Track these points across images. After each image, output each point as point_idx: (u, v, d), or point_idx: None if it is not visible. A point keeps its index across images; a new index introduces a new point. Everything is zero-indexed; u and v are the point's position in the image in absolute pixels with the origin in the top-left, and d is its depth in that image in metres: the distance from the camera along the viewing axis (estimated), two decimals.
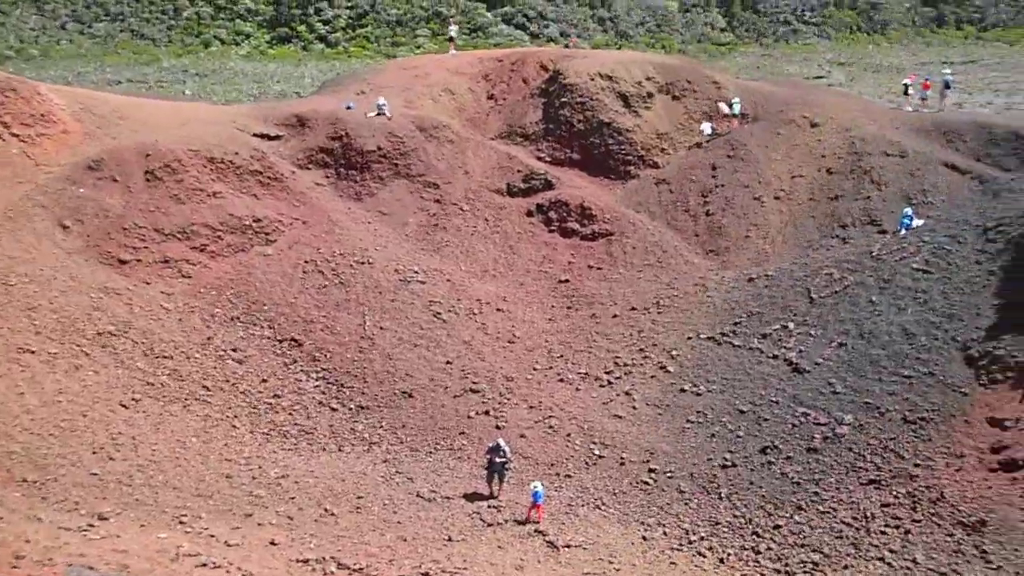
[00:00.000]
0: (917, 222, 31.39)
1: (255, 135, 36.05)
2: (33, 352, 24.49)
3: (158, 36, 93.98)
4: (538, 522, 22.34)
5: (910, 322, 26.93)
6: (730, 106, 38.91)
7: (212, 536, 19.42)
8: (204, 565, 17.42)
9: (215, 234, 31.35)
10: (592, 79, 39.25)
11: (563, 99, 39.44)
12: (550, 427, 26.85)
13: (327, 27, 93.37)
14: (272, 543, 19.63)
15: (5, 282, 26.19)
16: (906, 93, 42.82)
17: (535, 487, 22.22)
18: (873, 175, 34.46)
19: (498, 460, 23.09)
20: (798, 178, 35.68)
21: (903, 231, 31.19)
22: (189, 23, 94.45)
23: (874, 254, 30.33)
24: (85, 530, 18.16)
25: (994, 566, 18.87)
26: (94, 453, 22.00)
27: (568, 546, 21.43)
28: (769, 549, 21.79)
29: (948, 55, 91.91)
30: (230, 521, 20.50)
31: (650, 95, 39.76)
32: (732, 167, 36.64)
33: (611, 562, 20.85)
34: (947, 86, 41.84)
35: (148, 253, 30.12)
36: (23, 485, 20.06)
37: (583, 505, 23.92)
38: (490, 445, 23.54)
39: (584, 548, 21.44)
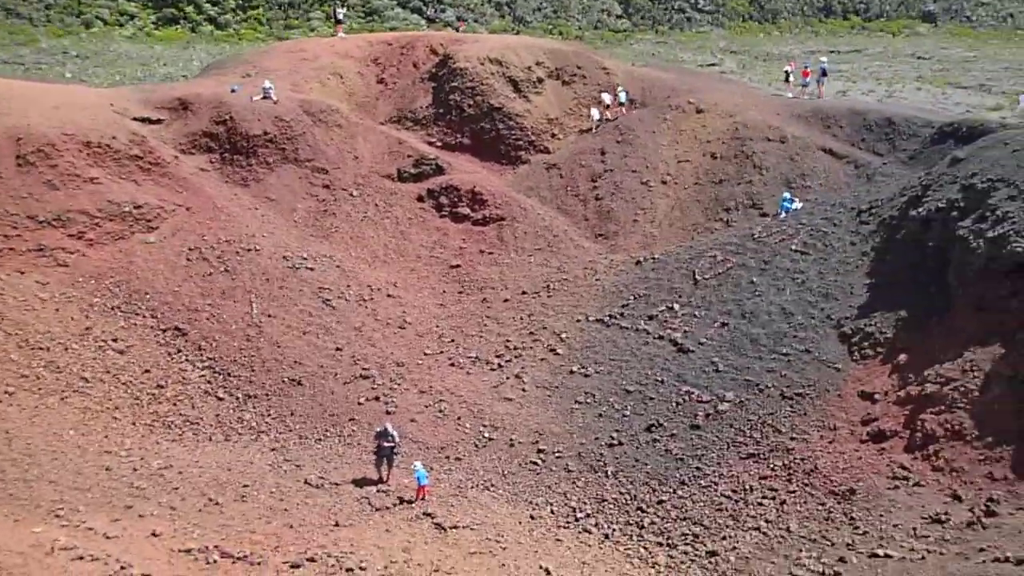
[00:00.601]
0: (796, 205, 32.64)
1: (135, 119, 34.76)
2: None
3: (35, 15, 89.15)
4: (424, 499, 22.56)
5: (788, 302, 28.09)
6: (616, 94, 39.60)
7: (90, 529, 18.91)
8: (81, 558, 17.02)
9: (93, 221, 30.18)
10: (482, 63, 39.38)
11: (453, 84, 39.45)
12: (440, 411, 27.02)
13: (216, 8, 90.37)
14: (154, 534, 19.22)
15: None
16: (787, 80, 44.37)
17: (416, 467, 22.47)
18: (755, 160, 35.67)
19: (386, 445, 23.13)
20: (684, 163, 36.66)
21: (783, 214, 32.39)
22: (68, 2, 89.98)
23: (755, 237, 31.42)
24: None
25: (861, 531, 19.98)
26: None
27: (456, 527, 21.65)
28: (653, 524, 22.53)
29: (835, 44, 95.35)
30: (110, 513, 19.96)
31: (540, 80, 40.15)
32: (621, 152, 37.38)
33: (498, 541, 21.20)
34: (823, 73, 43.54)
35: (21, 241, 28.78)
36: None
37: (472, 487, 24.20)
38: (378, 430, 23.56)
39: (472, 529, 21.70)
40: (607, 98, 39.49)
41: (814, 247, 29.73)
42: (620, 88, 39.98)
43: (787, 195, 32.89)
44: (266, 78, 37.58)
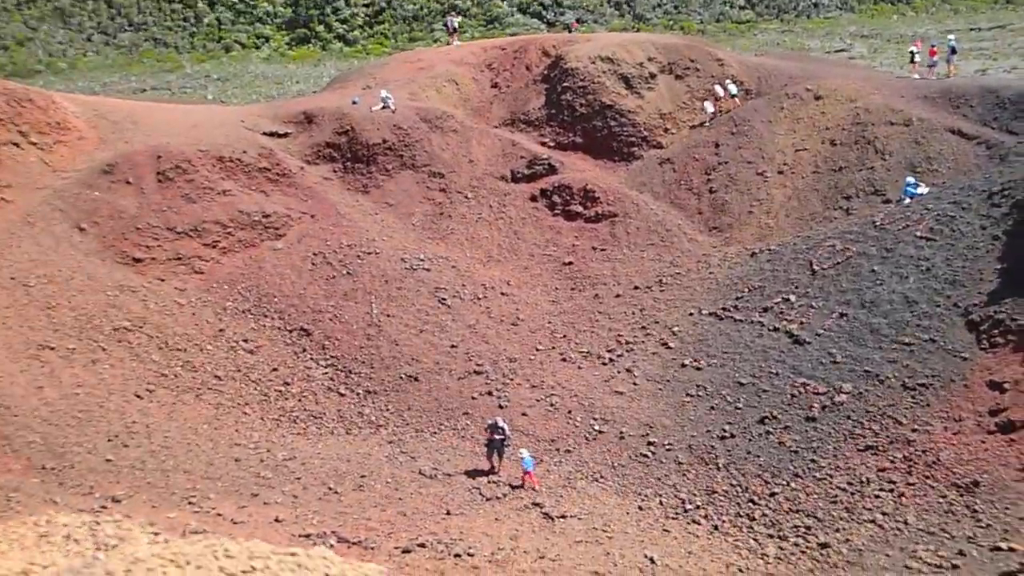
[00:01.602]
0: (922, 190, 31.26)
1: (264, 133, 37.00)
2: (52, 348, 25.70)
3: (180, 43, 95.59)
4: (535, 488, 23.09)
5: (912, 290, 26.96)
6: (725, 88, 38.99)
7: (219, 515, 20.40)
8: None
9: (226, 231, 32.33)
10: (593, 62, 39.55)
11: (565, 84, 39.81)
12: (551, 405, 27.40)
13: (345, 26, 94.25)
14: (276, 520, 20.56)
15: (25, 283, 27.44)
16: (912, 61, 42.35)
17: (522, 454, 22.97)
18: (877, 145, 34.31)
19: (497, 437, 23.74)
20: (802, 152, 35.66)
21: (907, 200, 31.09)
22: (210, 29, 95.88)
23: (877, 224, 30.29)
24: (98, 511, 19.20)
25: (983, 524, 19.07)
26: (109, 441, 23.11)
27: (563, 517, 22.02)
28: (764, 516, 22.15)
29: (976, 20, 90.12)
30: (237, 501, 21.46)
31: (652, 76, 39.95)
32: (735, 143, 36.76)
33: (604, 531, 21.40)
34: (953, 51, 41.34)
35: (161, 251, 31.20)
36: (42, 472, 21.21)
37: (582, 478, 24.46)
38: (488, 423, 24.21)
39: (579, 519, 21.99)
40: (719, 91, 38.92)
41: (940, 232, 28.38)
42: (729, 81, 39.31)
43: (911, 180, 31.48)
44: (384, 88, 39.08)
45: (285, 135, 37.46)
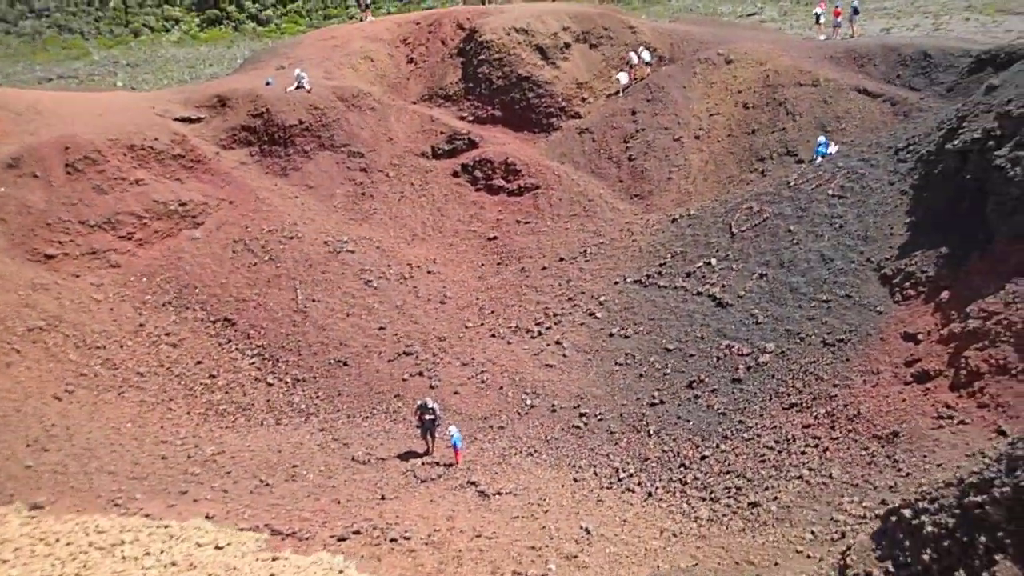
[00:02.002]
0: (832, 149, 31.96)
1: (176, 119, 35.87)
2: None
3: (86, 29, 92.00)
4: (456, 464, 23.32)
5: (827, 247, 27.67)
6: (639, 56, 39.16)
7: (147, 515, 19.92)
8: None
9: (141, 221, 31.38)
10: (508, 34, 39.30)
11: (480, 57, 39.49)
12: (483, 382, 27.47)
13: (257, 5, 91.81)
14: (207, 517, 20.15)
15: None
16: (817, 22, 43.18)
17: (451, 432, 23.06)
18: (787, 106, 34.91)
19: (428, 418, 23.68)
20: (716, 116, 36.12)
21: (819, 159, 31.76)
22: (116, 13, 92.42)
23: (791, 184, 30.91)
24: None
25: (903, 473, 19.72)
26: (28, 446, 22.31)
27: (499, 494, 22.12)
28: (696, 479, 22.64)
29: None
30: (165, 499, 20.97)
31: (567, 45, 39.89)
32: (652, 111, 37.03)
33: (540, 505, 21.57)
34: (855, 11, 42.25)
35: (75, 246, 30.12)
36: None
37: (516, 454, 24.62)
38: (418, 404, 24.13)
39: (515, 495, 22.12)
40: (633, 58, 39.08)
41: (851, 190, 29.12)
42: (642, 48, 39.48)
43: (823, 139, 32.17)
44: (299, 68, 38.23)
45: (198, 120, 36.41)
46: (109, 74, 76.88)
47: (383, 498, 21.68)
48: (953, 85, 32.89)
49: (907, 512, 7.34)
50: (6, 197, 30.20)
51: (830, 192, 29.43)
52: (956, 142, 26.47)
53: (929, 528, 6.99)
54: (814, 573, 15.77)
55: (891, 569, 7.13)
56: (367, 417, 26.55)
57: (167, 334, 28.50)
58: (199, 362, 27.95)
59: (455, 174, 36.00)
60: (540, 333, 29.44)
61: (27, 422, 23.26)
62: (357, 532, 19.41)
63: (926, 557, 6.85)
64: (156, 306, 29.36)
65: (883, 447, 20.92)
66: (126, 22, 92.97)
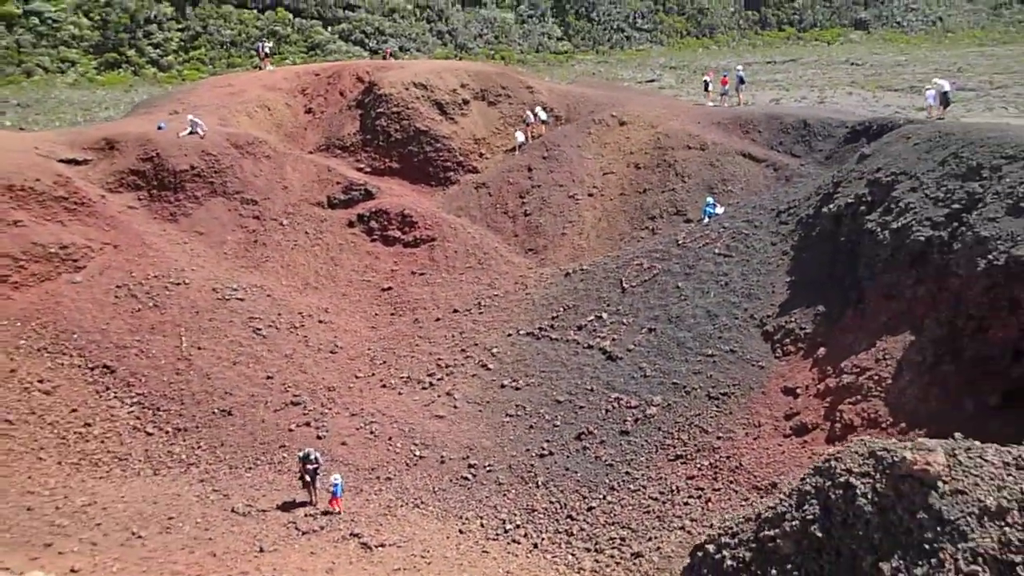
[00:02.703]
0: (719, 210, 33.28)
1: (61, 160, 34.75)
2: None
3: None
4: (338, 513, 22.95)
5: (713, 304, 28.63)
6: (536, 115, 40.25)
7: (7, 569, 18.78)
8: None
9: (18, 264, 30.07)
10: (407, 88, 39.85)
11: (379, 109, 39.86)
12: (372, 432, 27.12)
13: (158, 50, 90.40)
14: (72, 571, 19.19)
15: None
16: (706, 90, 45.31)
17: (335, 479, 22.70)
18: (677, 168, 36.31)
19: (310, 467, 23.20)
20: (609, 175, 37.25)
21: (706, 219, 32.99)
22: (8, 52, 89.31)
23: (680, 242, 32.00)
24: None
25: None
26: None
27: (382, 545, 21.75)
28: (582, 530, 22.78)
29: (772, 55, 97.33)
30: (28, 552, 19.90)
31: (465, 102, 40.68)
32: (547, 167, 37.93)
33: (423, 557, 21.30)
34: (741, 80, 44.54)
35: None
36: None
37: (402, 505, 24.29)
38: (299, 455, 23.62)
39: (398, 546, 21.78)
40: (530, 116, 40.14)
41: (736, 249, 30.33)
42: (539, 108, 40.63)
43: (711, 200, 33.51)
44: (192, 113, 37.71)
45: (84, 162, 35.38)
46: None
47: (261, 550, 21.04)
48: (831, 153, 34.85)
49: (711, 547, 7.64)
50: None
51: (716, 251, 30.58)
52: (832, 206, 28.05)
53: (728, 562, 7.29)
54: None
55: None
56: (250, 468, 25.79)
57: (40, 380, 27.19)
58: (74, 410, 26.72)
59: (351, 224, 35.90)
60: (432, 384, 29.35)
61: None
62: None
63: None
64: (30, 351, 28.04)
65: (762, 498, 21.45)
66: (19, 61, 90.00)
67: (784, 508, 7.03)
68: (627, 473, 24.25)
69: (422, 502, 24.51)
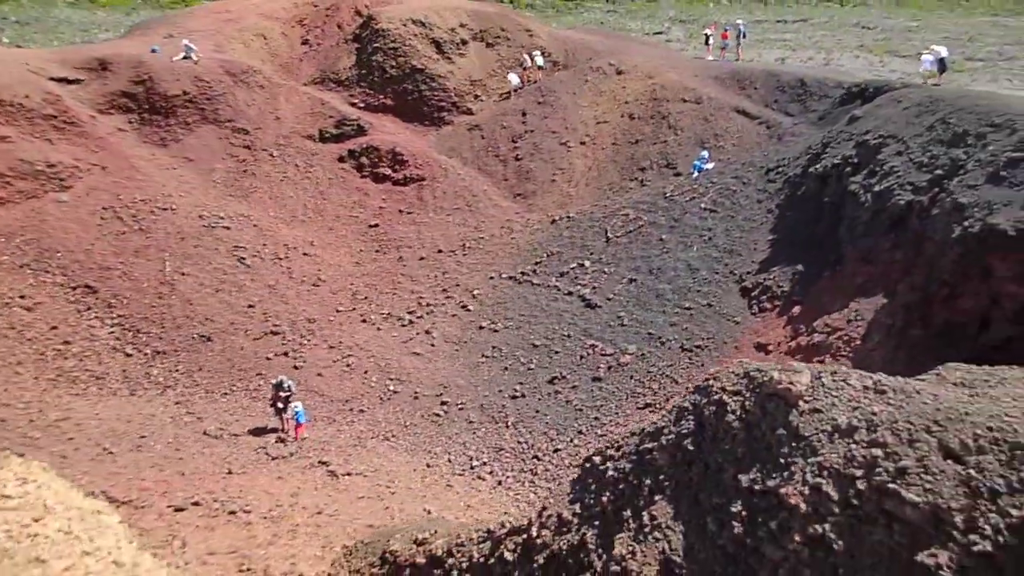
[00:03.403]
0: (710, 165, 33.16)
1: (52, 79, 34.51)
2: None
3: None
4: (295, 440, 23.45)
5: (695, 258, 28.71)
6: (533, 59, 39.85)
7: None
8: None
9: (3, 180, 30.07)
10: (405, 25, 39.40)
11: (376, 44, 39.44)
12: (348, 365, 27.45)
13: None
14: None
15: None
16: (707, 43, 44.79)
17: (295, 407, 23.06)
18: (670, 120, 36.05)
19: (282, 395, 23.53)
20: (603, 124, 37.02)
21: (696, 173, 32.89)
22: None
23: (667, 195, 31.96)
24: None
25: None
26: None
27: (348, 474, 22.18)
28: (546, 471, 23.18)
29: (783, 14, 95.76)
30: None
31: (464, 42, 40.26)
32: (541, 113, 37.69)
33: (388, 487, 21.74)
34: (742, 35, 44.01)
35: None
36: None
37: (373, 438, 24.71)
38: (273, 382, 23.95)
39: (364, 476, 22.23)
40: (527, 60, 39.75)
41: (722, 205, 30.29)
42: (537, 52, 40.20)
43: (705, 154, 33.31)
44: (187, 38, 37.35)
45: (76, 81, 35.12)
46: None
47: (230, 472, 21.47)
48: (824, 114, 34.54)
49: (597, 459, 7.93)
50: None
51: (702, 206, 30.56)
52: (818, 167, 27.94)
53: (611, 472, 7.56)
54: None
55: (578, 511, 7.67)
56: (226, 394, 26.17)
57: (22, 297, 27.41)
58: (54, 327, 26.98)
59: (341, 159, 35.79)
60: (411, 322, 29.60)
61: None
62: (196, 503, 19.21)
63: (605, 499, 7.41)
64: (12, 267, 28.19)
65: None
66: None
67: (663, 423, 7.28)
68: (596, 419, 24.60)
69: (392, 435, 24.92)
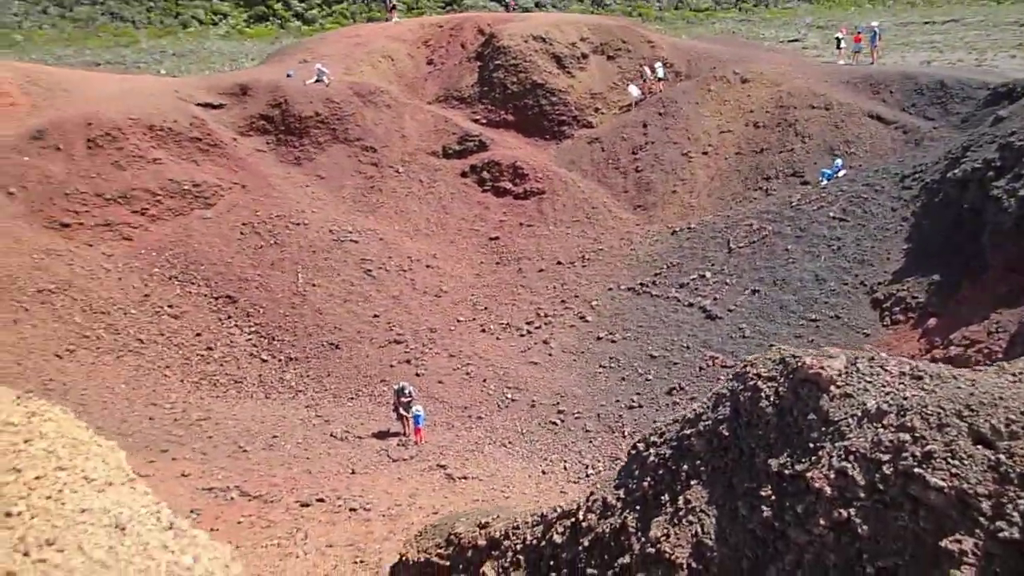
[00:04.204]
0: (842, 173, 32.25)
1: (199, 104, 37.11)
2: None
3: (137, 18, 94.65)
4: (417, 443, 24.13)
5: (822, 268, 27.99)
6: (653, 70, 39.78)
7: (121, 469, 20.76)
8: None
9: (155, 199, 32.56)
10: (526, 41, 40.16)
11: (497, 62, 40.37)
12: (467, 374, 28.12)
13: (303, 4, 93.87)
14: (183, 475, 21.06)
15: None
16: (838, 47, 43.49)
17: (416, 410, 23.75)
18: (797, 127, 35.27)
19: (404, 401, 24.38)
20: (726, 133, 36.59)
21: (824, 181, 32.07)
22: (167, 4, 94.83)
23: (793, 204, 31.29)
24: None
25: None
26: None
27: (465, 478, 22.72)
28: None
29: (930, 15, 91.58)
30: (146, 456, 21.89)
31: (584, 56, 40.64)
32: (663, 124, 37.59)
33: (503, 491, 22.13)
34: (876, 37, 42.49)
35: (90, 217, 31.37)
36: None
37: (490, 443, 25.19)
38: (395, 387, 24.82)
39: (480, 480, 22.72)
40: (647, 71, 39.74)
41: (853, 213, 29.41)
42: (658, 63, 40.12)
43: (839, 163, 32.36)
44: (319, 62, 39.37)
45: (219, 106, 37.64)
46: (155, 62, 78.86)
47: (353, 472, 22.41)
48: (968, 116, 32.94)
49: (641, 446, 7.97)
50: (28, 167, 31.54)
51: (831, 214, 29.76)
52: (958, 171, 26.67)
53: (652, 459, 7.58)
54: None
55: (621, 495, 7.75)
56: (352, 398, 27.30)
57: (170, 306, 29.54)
58: (198, 334, 28.92)
59: (463, 174, 36.81)
60: (529, 332, 30.05)
61: (26, 375, 24.38)
62: (320, 500, 20.19)
63: (646, 484, 7.45)
64: (163, 279, 30.43)
65: None
66: (176, 13, 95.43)
67: (702, 410, 7.32)
68: None
69: (509, 442, 25.33)
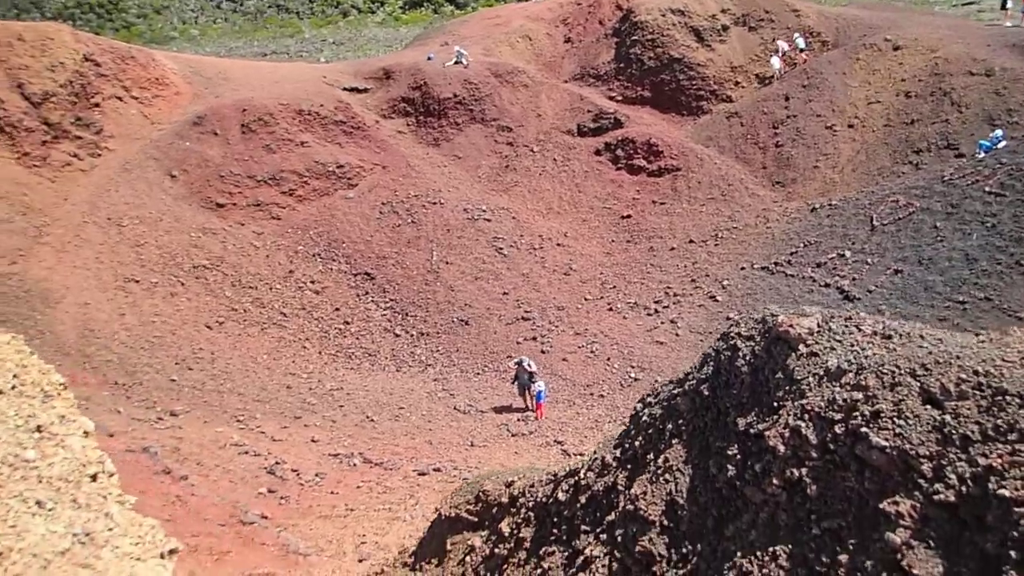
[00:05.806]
0: (1002, 144, 29.99)
1: (346, 89, 38.79)
2: (137, 281, 28.48)
3: (301, 9, 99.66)
4: (537, 419, 24.46)
5: (974, 247, 26.23)
6: (794, 41, 38.06)
7: (262, 432, 22.38)
8: (246, 453, 20.34)
9: (302, 180, 34.37)
10: (663, 15, 39.38)
11: (634, 37, 39.80)
12: (592, 352, 28.18)
13: None
14: (312, 440, 22.38)
15: (119, 223, 30.34)
16: (1004, 7, 40.13)
17: (538, 386, 24.02)
18: (953, 96, 32.99)
19: (526, 376, 24.77)
20: (874, 104, 34.67)
21: (982, 154, 29.91)
22: None
23: (945, 179, 29.35)
24: (155, 422, 21.47)
25: None
26: (176, 364, 25.58)
27: (582, 454, 22.81)
28: None
29: None
30: (280, 422, 23.44)
31: (725, 28, 39.44)
32: (806, 97, 36.03)
33: None
34: None
35: (242, 198, 33.55)
36: (113, 387, 23.75)
37: (610, 421, 25.17)
38: (515, 361, 25.23)
39: None
40: (784, 45, 38.12)
41: (1012, 188, 27.25)
42: (797, 34, 38.36)
43: (999, 133, 30.05)
44: (459, 44, 40.17)
45: (364, 90, 39.18)
46: (316, 51, 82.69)
47: (472, 445, 23.07)
48: None
49: (638, 406, 7.81)
50: (189, 151, 34.02)
51: (987, 189, 27.72)
52: None
53: (644, 419, 7.42)
54: None
55: (617, 455, 7.63)
56: (478, 373, 27.98)
57: (312, 281, 31.20)
58: (337, 309, 30.43)
59: (598, 152, 36.67)
60: (657, 311, 29.73)
61: (179, 344, 26.57)
62: (437, 469, 20.92)
63: (637, 444, 7.32)
64: (307, 256, 32.16)
65: None
66: (336, 3, 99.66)
67: (690, 370, 7.16)
68: None
69: None
